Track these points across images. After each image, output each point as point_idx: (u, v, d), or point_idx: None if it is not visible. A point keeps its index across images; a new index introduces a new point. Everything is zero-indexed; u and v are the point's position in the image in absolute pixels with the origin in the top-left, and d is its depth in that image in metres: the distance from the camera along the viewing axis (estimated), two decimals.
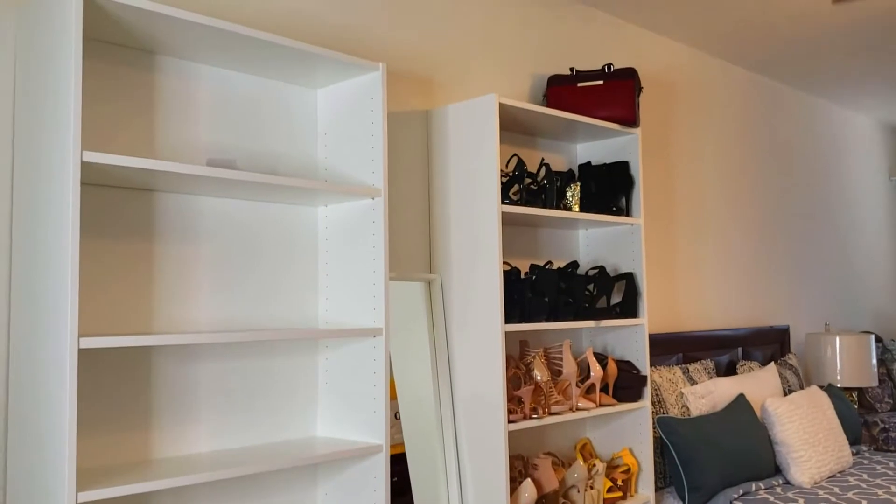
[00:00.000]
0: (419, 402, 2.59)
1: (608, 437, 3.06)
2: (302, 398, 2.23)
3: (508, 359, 2.61)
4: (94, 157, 1.60)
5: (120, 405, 1.87)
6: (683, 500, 2.97)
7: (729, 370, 3.91)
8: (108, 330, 1.87)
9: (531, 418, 2.54)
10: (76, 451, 1.55)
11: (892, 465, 3.62)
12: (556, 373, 2.74)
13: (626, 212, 3.03)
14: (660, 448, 3.18)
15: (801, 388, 4.09)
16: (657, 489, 3.17)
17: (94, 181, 1.83)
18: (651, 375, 3.30)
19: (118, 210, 1.91)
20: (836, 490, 3.14)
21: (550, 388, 2.66)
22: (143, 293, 1.94)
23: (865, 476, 3.38)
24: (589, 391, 2.85)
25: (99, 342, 1.59)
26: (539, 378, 2.61)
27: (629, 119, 2.92)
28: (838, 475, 3.41)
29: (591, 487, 2.76)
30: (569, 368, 2.71)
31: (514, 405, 2.53)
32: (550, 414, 2.62)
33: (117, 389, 1.87)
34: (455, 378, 2.56)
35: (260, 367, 2.14)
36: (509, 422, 2.46)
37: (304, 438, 2.19)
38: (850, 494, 3.07)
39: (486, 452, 2.46)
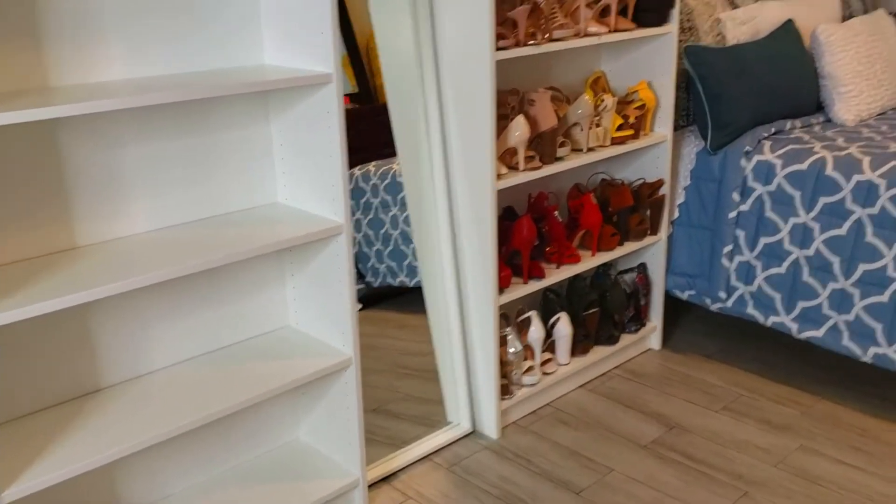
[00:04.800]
0: (402, 53, 2.19)
1: (626, 70, 2.67)
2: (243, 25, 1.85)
3: None
4: None
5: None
6: (706, 139, 2.65)
7: None
8: None
9: (527, 45, 2.14)
10: None
11: None
12: None
13: None
14: (685, 82, 2.79)
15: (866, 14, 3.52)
16: (678, 128, 2.84)
17: None
18: None
19: None
20: (884, 128, 2.77)
21: (553, 8, 2.22)
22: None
23: None
24: (604, 14, 2.39)
25: None
26: None
27: None
28: (890, 112, 3.02)
29: (598, 125, 2.44)
30: None
31: (508, 30, 2.12)
32: (552, 40, 2.21)
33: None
34: (438, 14, 2.12)
35: None
36: (498, 49, 2.06)
37: (251, 66, 1.85)
38: None
39: (469, 86, 2.10)
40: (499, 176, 2.19)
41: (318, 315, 1.99)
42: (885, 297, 2.33)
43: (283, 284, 2.05)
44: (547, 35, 2.18)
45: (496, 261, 2.22)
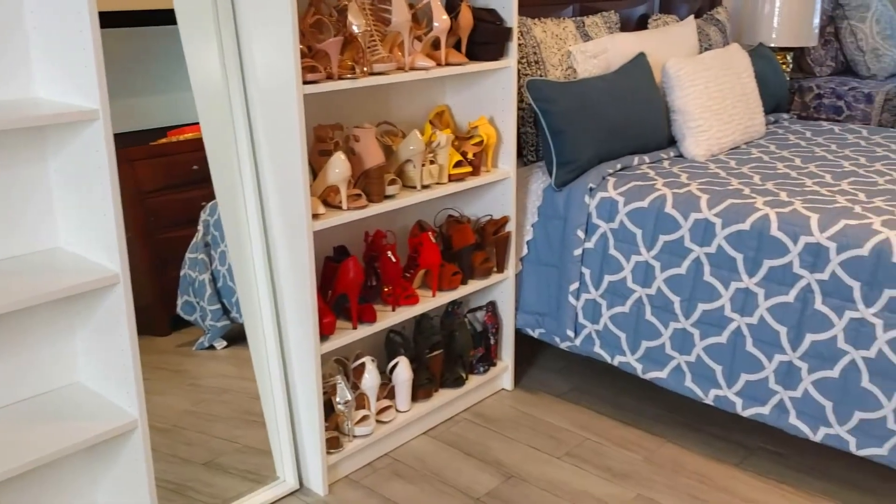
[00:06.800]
0: (212, 87, 2.05)
1: (469, 105, 2.58)
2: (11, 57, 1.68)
3: (315, 3, 2.03)
4: None
5: None
6: (551, 175, 2.58)
7: (640, 26, 3.34)
8: None
9: (342, 79, 2.02)
10: None
11: (808, 134, 3.22)
12: (384, 22, 2.17)
13: None
14: (532, 117, 2.72)
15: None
16: (528, 163, 2.77)
17: None
18: (532, 29, 2.73)
19: None
20: (732, 164, 2.75)
21: (374, 41, 2.11)
22: None
23: (773, 148, 3.00)
24: (436, 47, 2.30)
25: None
26: (356, 28, 2.05)
27: None
28: (743, 147, 3.02)
29: (432, 162, 2.33)
30: (400, 16, 2.13)
31: (322, 62, 2.00)
32: (373, 74, 2.10)
33: None
34: (245, 46, 1.99)
35: None
36: (306, 82, 1.94)
37: (18, 100, 1.68)
38: (745, 168, 2.69)
39: (279, 121, 1.97)
40: (317, 216, 2.06)
41: (105, 372, 1.81)
42: (723, 339, 2.28)
43: (72, 337, 1.87)
44: (366, 68, 2.07)
45: (315, 306, 2.08)
